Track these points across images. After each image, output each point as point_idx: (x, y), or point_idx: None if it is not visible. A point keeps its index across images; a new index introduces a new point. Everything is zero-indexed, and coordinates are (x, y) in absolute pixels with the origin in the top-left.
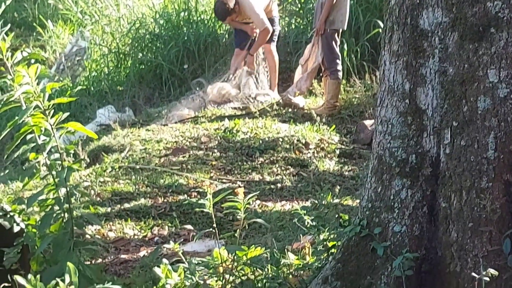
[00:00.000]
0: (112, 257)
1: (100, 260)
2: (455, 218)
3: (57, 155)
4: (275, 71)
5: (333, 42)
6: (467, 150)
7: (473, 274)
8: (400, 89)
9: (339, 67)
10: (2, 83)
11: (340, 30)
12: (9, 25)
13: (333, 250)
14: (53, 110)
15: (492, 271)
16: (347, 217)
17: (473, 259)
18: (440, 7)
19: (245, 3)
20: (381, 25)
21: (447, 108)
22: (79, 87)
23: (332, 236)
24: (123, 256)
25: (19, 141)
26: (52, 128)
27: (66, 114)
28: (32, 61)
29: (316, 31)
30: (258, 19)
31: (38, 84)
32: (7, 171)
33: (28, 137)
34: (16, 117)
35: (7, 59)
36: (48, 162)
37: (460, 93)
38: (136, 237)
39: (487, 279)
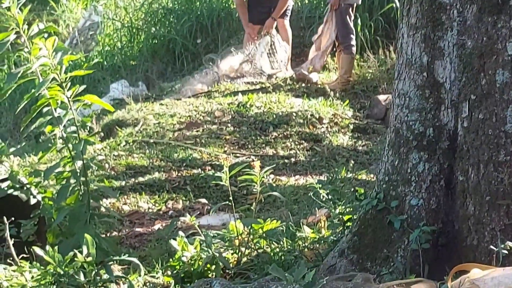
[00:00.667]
0: (127, 230)
1: (115, 233)
2: (472, 191)
3: (73, 128)
4: (288, 46)
5: (347, 17)
6: (485, 124)
7: (491, 247)
8: (418, 62)
9: (353, 42)
10: (16, 56)
11: (355, 5)
12: None
13: (349, 224)
14: (69, 83)
15: (510, 244)
16: (363, 191)
17: (490, 232)
18: None
19: None
20: None
21: (465, 82)
22: (95, 60)
23: (348, 209)
24: (137, 229)
25: (35, 114)
26: (68, 101)
27: (83, 87)
28: (46, 35)
29: (330, 6)
30: None
31: (54, 57)
32: (23, 143)
33: (44, 110)
34: (33, 90)
35: (24, 32)
36: (65, 135)
37: (479, 66)
38: (150, 210)
39: (505, 252)
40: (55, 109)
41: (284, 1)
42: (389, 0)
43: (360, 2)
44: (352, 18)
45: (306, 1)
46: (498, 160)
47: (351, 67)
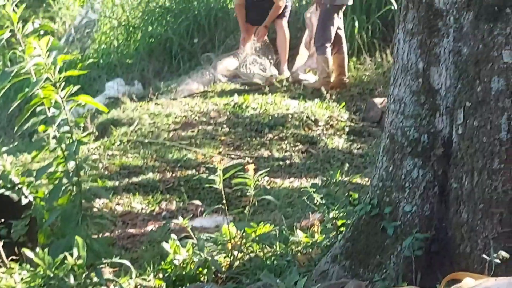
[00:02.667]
0: (119, 231)
1: (107, 234)
2: (466, 199)
3: (66, 128)
4: (285, 47)
5: (330, 18)
6: (479, 131)
7: (484, 256)
8: (413, 68)
9: (327, 44)
10: (11, 54)
11: (344, 7)
12: None
13: (342, 229)
14: (63, 83)
15: (503, 253)
16: (356, 196)
17: (483, 240)
18: None
19: None
20: (393, 2)
21: (461, 88)
22: (90, 60)
23: (341, 214)
24: (130, 230)
25: (28, 113)
26: (62, 101)
27: (77, 87)
28: (42, 32)
29: (316, 5)
30: None
31: (48, 56)
32: (16, 143)
33: (38, 109)
34: (26, 89)
35: (18, 30)
36: (58, 135)
37: (474, 73)
38: (143, 211)
39: (498, 261)
40: (48, 109)
41: (276, 10)
42: (387, 3)
43: (350, 3)
44: (339, 19)
45: (304, 2)
46: (492, 168)
47: (326, 67)
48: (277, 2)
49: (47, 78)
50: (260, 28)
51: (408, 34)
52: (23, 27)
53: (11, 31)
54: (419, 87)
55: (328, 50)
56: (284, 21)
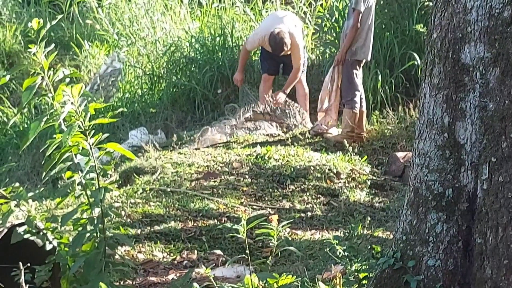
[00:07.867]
0: (141, 279)
1: (129, 281)
2: (490, 254)
3: (93, 175)
4: (305, 99)
5: (354, 73)
6: (504, 187)
7: None
8: (439, 123)
9: (357, 99)
10: (37, 101)
11: (363, 61)
12: (53, 45)
13: (364, 282)
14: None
15: None
16: (379, 249)
17: None
18: (483, 42)
19: (295, 46)
20: (416, 57)
21: (486, 144)
22: (120, 109)
23: (364, 267)
24: (151, 278)
25: (58, 161)
26: (91, 148)
27: (106, 135)
28: (67, 79)
29: (336, 61)
30: (300, 62)
31: (79, 104)
32: (42, 189)
33: (65, 155)
34: (54, 135)
35: (48, 77)
36: (83, 182)
37: (500, 129)
38: (165, 260)
39: None
40: (75, 155)
41: (295, 74)
42: (410, 57)
43: (369, 59)
44: (359, 74)
45: (327, 56)
46: None
47: (352, 121)
48: (297, 65)
49: (78, 126)
50: (280, 94)
51: (434, 89)
52: (53, 74)
53: (41, 78)
54: (444, 141)
55: (357, 105)
56: (302, 76)
